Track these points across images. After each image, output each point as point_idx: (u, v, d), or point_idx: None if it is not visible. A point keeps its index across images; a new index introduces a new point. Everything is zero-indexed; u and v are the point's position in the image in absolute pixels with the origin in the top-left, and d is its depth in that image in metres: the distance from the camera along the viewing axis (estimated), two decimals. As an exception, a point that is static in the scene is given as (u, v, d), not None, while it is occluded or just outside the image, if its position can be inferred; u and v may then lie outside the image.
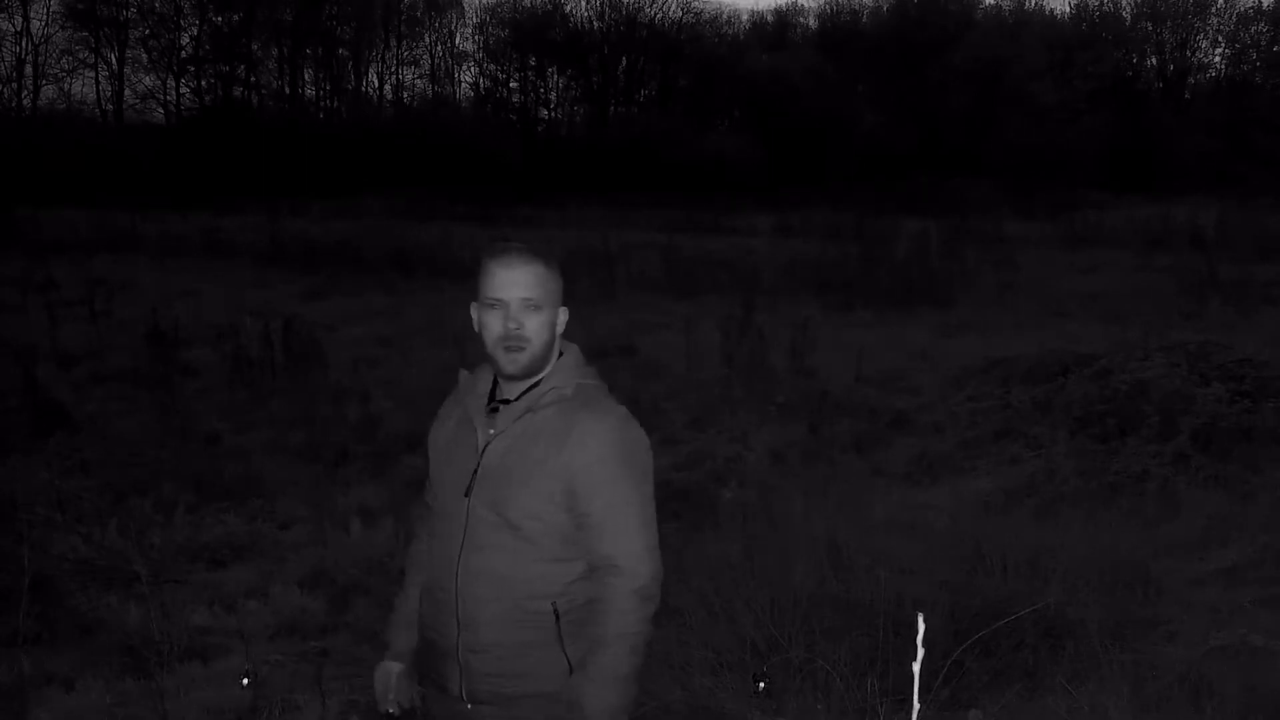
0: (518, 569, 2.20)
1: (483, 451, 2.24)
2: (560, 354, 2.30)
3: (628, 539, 2.20)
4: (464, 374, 2.37)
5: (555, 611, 2.20)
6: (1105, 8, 47.15)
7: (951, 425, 8.23)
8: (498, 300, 2.21)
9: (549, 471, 2.19)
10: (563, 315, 2.27)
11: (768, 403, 8.78)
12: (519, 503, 2.19)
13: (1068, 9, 49.46)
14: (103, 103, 42.76)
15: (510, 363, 2.22)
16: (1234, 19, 45.71)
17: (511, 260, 2.21)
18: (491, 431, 2.25)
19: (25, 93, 40.88)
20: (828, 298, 14.37)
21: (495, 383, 2.31)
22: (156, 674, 4.05)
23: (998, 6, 48.10)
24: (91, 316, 11.53)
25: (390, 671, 2.44)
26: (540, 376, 2.26)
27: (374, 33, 46.56)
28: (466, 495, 2.24)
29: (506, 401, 2.26)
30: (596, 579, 2.21)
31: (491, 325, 2.22)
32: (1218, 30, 46.12)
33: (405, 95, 47.90)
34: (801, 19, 50.90)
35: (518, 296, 2.20)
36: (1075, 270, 17.43)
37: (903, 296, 14.38)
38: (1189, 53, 46.37)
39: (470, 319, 2.29)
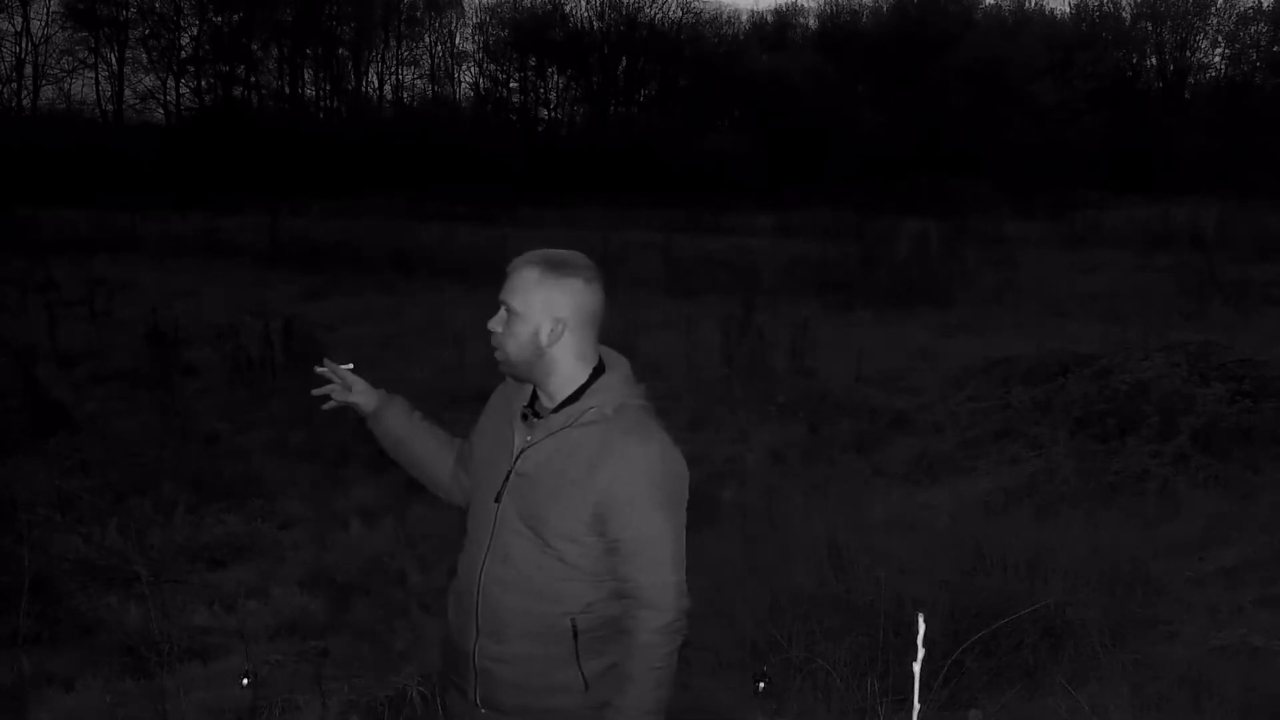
0: (540, 582, 2.15)
1: (516, 458, 2.20)
2: (601, 369, 2.22)
3: (658, 572, 2.14)
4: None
5: (574, 628, 2.15)
6: (1105, 8, 47.15)
7: (951, 425, 8.22)
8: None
9: (582, 492, 2.12)
10: (548, 327, 2.15)
11: (768, 403, 8.77)
12: (548, 517, 2.14)
13: (1068, 9, 49.51)
14: (103, 103, 42.73)
15: (498, 362, 2.21)
16: (1234, 19, 45.71)
17: (512, 264, 2.20)
18: (528, 439, 2.19)
19: (25, 93, 40.90)
20: (828, 298, 14.36)
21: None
22: (156, 674, 4.06)
23: (998, 6, 48.15)
24: (91, 316, 11.54)
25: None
26: (578, 389, 2.19)
27: (374, 33, 46.52)
28: (496, 501, 2.20)
29: (538, 414, 2.21)
30: (624, 609, 2.15)
31: None
32: (1218, 30, 46.12)
33: (405, 95, 47.88)
34: (801, 19, 50.85)
35: (501, 300, 2.18)
36: (1075, 270, 17.43)
37: (903, 296, 14.39)
38: (1189, 53, 46.35)
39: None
